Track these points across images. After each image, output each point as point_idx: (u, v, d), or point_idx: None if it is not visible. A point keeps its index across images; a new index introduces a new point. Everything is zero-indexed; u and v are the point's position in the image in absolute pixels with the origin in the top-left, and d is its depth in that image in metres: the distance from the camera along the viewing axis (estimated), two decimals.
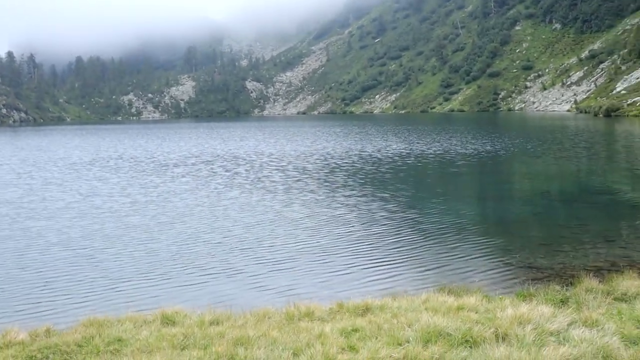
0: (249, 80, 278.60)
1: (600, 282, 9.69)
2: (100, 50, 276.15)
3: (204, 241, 15.90)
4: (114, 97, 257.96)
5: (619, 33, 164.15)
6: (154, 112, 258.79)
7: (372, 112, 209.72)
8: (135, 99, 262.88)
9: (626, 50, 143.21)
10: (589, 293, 8.75)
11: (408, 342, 6.44)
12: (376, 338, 6.73)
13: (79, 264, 13.88)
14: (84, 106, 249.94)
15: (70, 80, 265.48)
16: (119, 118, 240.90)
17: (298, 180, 28.33)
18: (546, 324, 6.91)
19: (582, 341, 6.30)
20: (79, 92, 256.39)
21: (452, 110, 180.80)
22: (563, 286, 9.83)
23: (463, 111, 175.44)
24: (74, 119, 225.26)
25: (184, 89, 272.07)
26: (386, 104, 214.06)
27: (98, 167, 36.99)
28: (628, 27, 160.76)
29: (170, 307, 8.75)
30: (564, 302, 8.47)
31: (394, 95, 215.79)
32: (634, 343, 6.43)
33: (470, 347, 6.39)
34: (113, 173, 33.47)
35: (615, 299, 8.52)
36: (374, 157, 38.61)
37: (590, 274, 10.53)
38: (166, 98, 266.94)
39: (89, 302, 10.92)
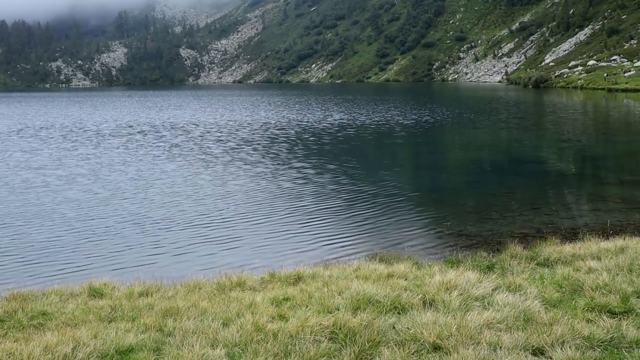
0: (183, 47, 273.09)
1: (524, 248, 10.00)
2: (26, 14, 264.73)
3: (137, 213, 15.60)
4: (41, 63, 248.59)
5: (547, 6, 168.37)
6: (84, 79, 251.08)
7: (308, 82, 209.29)
8: (64, 65, 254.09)
9: (554, 23, 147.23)
10: (514, 259, 9.01)
11: (338, 310, 6.49)
12: (306, 306, 6.75)
13: (4, 238, 13.41)
14: (9, 73, 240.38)
15: None
16: (47, 86, 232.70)
17: (235, 151, 28.09)
18: (472, 290, 7.08)
19: (505, 305, 6.48)
20: (4, 58, 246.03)
21: (388, 80, 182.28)
22: (490, 253, 10.09)
23: (398, 81, 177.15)
24: None
25: (116, 56, 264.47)
26: (322, 74, 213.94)
27: (27, 138, 35.66)
28: (557, 0, 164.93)
29: (98, 279, 8.55)
30: (490, 268, 8.70)
31: (330, 64, 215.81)
32: (553, 306, 6.67)
33: (399, 313, 6.49)
34: (43, 144, 32.32)
35: (538, 264, 8.80)
36: (315, 128, 38.58)
37: (516, 241, 10.85)
38: (97, 65, 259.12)
39: (13, 276, 10.57)
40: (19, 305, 7.28)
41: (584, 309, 6.51)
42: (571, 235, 12.15)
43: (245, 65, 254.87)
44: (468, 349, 5.40)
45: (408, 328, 5.93)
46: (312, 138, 33.00)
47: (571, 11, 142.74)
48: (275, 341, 5.69)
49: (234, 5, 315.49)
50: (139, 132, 37.75)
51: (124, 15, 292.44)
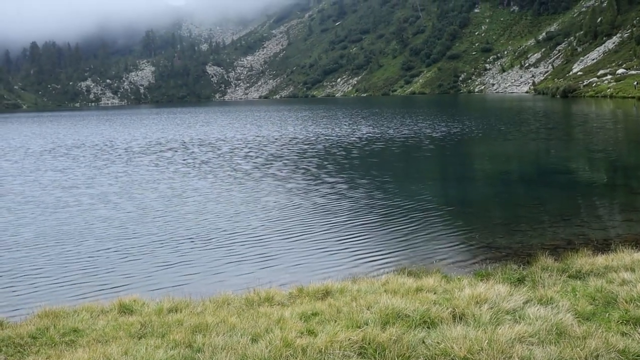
0: (210, 64, 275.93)
1: (555, 260, 9.85)
2: (56, 35, 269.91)
3: (168, 231, 15.70)
4: (71, 83, 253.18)
5: (574, 15, 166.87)
6: (113, 98, 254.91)
7: (334, 96, 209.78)
8: (93, 84, 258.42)
9: (582, 32, 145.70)
10: (545, 271, 8.88)
11: (367, 325, 6.46)
12: (335, 321, 6.72)
13: (39, 256, 13.60)
14: (40, 93, 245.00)
15: (25, 66, 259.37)
16: (77, 105, 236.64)
17: (265, 167, 28.10)
18: (502, 303, 6.99)
19: (537, 319, 6.39)
20: (35, 78, 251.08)
21: (414, 93, 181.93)
22: (520, 265, 9.97)
23: (424, 94, 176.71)
24: (30, 106, 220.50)
25: (143, 74, 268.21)
26: (348, 88, 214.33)
27: (59, 157, 36.19)
28: (584, 9, 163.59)
29: (127, 295, 8.62)
30: (520, 280, 8.58)
31: (356, 78, 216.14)
32: (586, 319, 6.55)
33: (428, 327, 6.44)
34: (75, 162, 32.74)
35: (570, 276, 8.66)
36: (343, 142, 38.51)
37: (547, 253, 10.69)
38: (125, 84, 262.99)
39: (45, 294, 10.71)
40: (51, 322, 7.36)
41: (618, 321, 6.39)
42: (603, 246, 11.94)
43: (271, 80, 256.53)
44: None
45: (438, 342, 5.87)
46: (340, 152, 32.97)
47: (599, 19, 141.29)
48: (304, 356, 5.68)
49: (259, 22, 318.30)
50: (169, 149, 38.10)
51: (151, 34, 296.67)
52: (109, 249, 13.91)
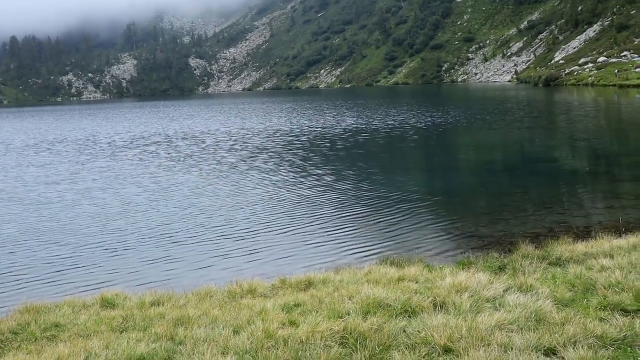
0: (192, 57, 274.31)
1: (537, 248, 9.92)
2: (36, 29, 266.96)
3: (153, 225, 15.64)
4: (52, 77, 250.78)
5: (556, 4, 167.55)
6: (95, 92, 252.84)
7: (318, 87, 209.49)
8: (75, 79, 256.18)
9: (563, 21, 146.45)
10: (526, 259, 8.94)
11: (348, 315, 6.49)
12: (317, 312, 6.75)
13: (21, 253, 13.52)
14: (21, 88, 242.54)
15: (5, 61, 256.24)
16: (59, 99, 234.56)
17: (250, 160, 27.97)
18: (483, 291, 7.05)
19: (516, 306, 6.45)
20: (15, 73, 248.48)
21: (397, 84, 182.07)
22: (502, 254, 10.04)
23: (408, 84, 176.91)
24: (11, 101, 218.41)
25: (126, 68, 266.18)
26: (332, 79, 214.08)
27: (42, 152, 35.87)
28: None
29: (110, 290, 8.59)
30: (501, 269, 8.64)
31: (339, 69, 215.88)
32: (566, 306, 6.62)
33: (410, 316, 6.48)
34: (58, 158, 32.46)
35: (550, 263, 8.74)
36: (328, 134, 38.44)
37: (528, 241, 10.78)
38: (107, 77, 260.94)
39: (28, 290, 10.65)
40: (33, 318, 7.33)
41: (596, 308, 6.47)
42: (584, 234, 12.05)
43: (254, 73, 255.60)
44: (479, 350, 5.38)
45: (419, 331, 5.92)
46: (325, 144, 32.94)
47: (580, 8, 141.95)
48: (286, 347, 5.70)
49: (241, 14, 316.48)
50: (153, 143, 37.89)
51: (132, 28, 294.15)
52: (93, 244, 13.85)
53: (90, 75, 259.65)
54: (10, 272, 11.91)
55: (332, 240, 13.28)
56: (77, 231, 15.16)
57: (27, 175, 26.10)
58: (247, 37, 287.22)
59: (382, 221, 14.94)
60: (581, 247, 9.57)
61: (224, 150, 32.25)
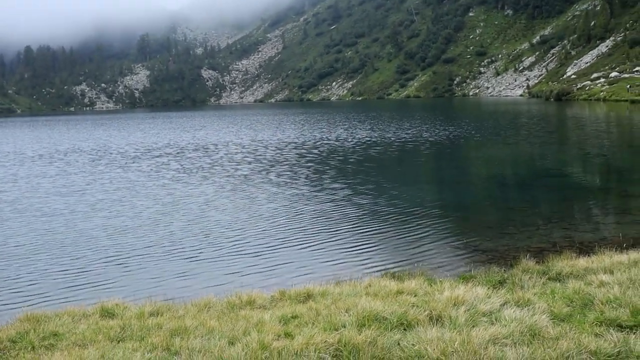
0: (205, 68, 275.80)
1: (538, 262, 9.92)
2: (50, 39, 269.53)
3: (160, 236, 15.70)
4: (65, 87, 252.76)
5: (568, 18, 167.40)
6: (108, 102, 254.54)
7: (329, 99, 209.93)
8: (87, 89, 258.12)
9: (576, 36, 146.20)
10: (526, 273, 8.93)
11: (344, 327, 6.50)
12: (313, 324, 6.77)
13: (22, 261, 13.62)
14: (34, 97, 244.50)
15: (20, 70, 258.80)
16: (72, 109, 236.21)
17: (261, 172, 27.78)
18: (480, 305, 7.04)
19: (512, 320, 6.44)
20: (29, 82, 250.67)
21: (409, 97, 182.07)
22: (503, 268, 10.03)
23: (419, 97, 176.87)
24: (24, 110, 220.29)
25: (138, 78, 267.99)
26: (343, 91, 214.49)
27: (55, 162, 36.01)
28: (577, 12, 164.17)
29: (110, 299, 8.65)
30: (501, 283, 8.64)
31: (351, 82, 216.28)
32: (562, 320, 6.60)
33: (405, 329, 6.48)
34: (70, 167, 32.57)
35: (549, 278, 8.72)
36: (339, 146, 38.38)
37: (530, 255, 10.77)
38: (120, 88, 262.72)
39: (28, 299, 10.73)
40: (32, 326, 7.39)
41: (592, 323, 6.45)
42: (588, 249, 12.02)
43: (266, 84, 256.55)
44: None
45: (413, 344, 5.92)
46: (338, 157, 32.86)
47: (592, 23, 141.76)
48: (279, 359, 5.72)
49: (254, 25, 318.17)
50: (165, 154, 37.98)
51: (146, 38, 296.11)
52: (102, 254, 13.89)
53: (103, 85, 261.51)
54: (13, 281, 12.00)
55: (334, 252, 13.28)
56: (87, 242, 15.22)
57: (40, 185, 26.16)
58: (260, 49, 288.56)
59: (386, 234, 14.95)
60: (582, 262, 9.55)
61: (235, 162, 32.23)
